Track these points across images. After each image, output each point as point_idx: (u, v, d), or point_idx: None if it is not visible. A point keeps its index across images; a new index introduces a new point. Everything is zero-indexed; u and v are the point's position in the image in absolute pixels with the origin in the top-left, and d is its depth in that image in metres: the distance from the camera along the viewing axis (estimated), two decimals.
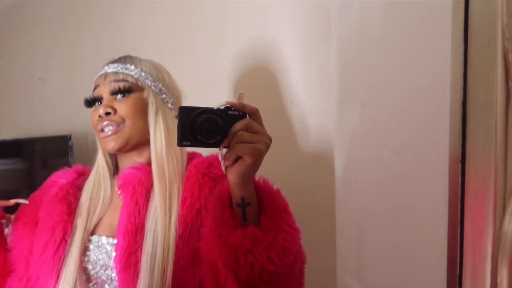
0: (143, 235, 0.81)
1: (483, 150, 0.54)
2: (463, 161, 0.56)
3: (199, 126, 0.65)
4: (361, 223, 0.90)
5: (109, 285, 0.82)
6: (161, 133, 0.88)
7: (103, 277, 0.83)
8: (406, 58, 0.71)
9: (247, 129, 0.66)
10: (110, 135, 0.85)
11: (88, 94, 0.93)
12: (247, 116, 0.68)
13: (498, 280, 0.53)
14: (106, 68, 0.90)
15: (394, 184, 0.75)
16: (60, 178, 0.93)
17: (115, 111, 0.86)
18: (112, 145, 0.86)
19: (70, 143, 1.50)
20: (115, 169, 0.94)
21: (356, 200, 0.94)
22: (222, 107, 0.67)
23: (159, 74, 0.93)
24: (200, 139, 0.65)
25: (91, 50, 1.69)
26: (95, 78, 0.91)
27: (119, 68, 0.89)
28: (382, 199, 0.80)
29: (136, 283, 0.78)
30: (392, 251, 0.76)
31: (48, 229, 0.85)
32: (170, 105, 0.92)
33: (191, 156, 0.92)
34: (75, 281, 0.80)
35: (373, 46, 0.83)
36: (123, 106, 0.86)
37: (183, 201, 0.84)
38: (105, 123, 0.85)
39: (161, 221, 0.82)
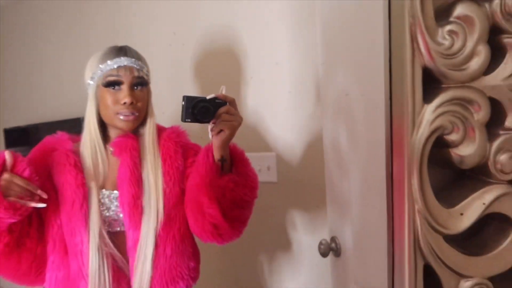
0: (141, 185, 1.15)
1: (401, 91, 0.83)
2: (390, 98, 0.85)
3: (198, 110, 1.01)
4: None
5: (120, 226, 1.16)
6: (153, 114, 1.23)
7: (116, 220, 1.15)
8: (361, 26, 0.98)
9: (227, 112, 1.04)
10: (131, 120, 1.15)
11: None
12: (228, 104, 1.05)
13: (412, 182, 0.82)
14: (122, 60, 1.13)
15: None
16: (60, 144, 1.18)
17: (136, 100, 1.14)
18: (130, 126, 1.16)
19: (83, 125, 1.53)
20: (104, 137, 1.20)
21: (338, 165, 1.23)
22: (212, 97, 1.04)
23: (148, 66, 1.24)
24: (199, 119, 1.03)
25: (101, 34, 1.89)
26: (114, 66, 1.12)
27: (137, 65, 1.15)
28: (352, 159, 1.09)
29: (140, 220, 1.13)
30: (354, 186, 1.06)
31: (71, 190, 1.11)
32: None
33: (159, 127, 1.25)
34: (100, 227, 1.11)
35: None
36: (141, 97, 1.16)
37: (164, 160, 1.19)
38: (129, 110, 1.13)
39: (152, 175, 1.16)
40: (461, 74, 0.82)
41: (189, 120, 1.02)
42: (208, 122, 1.03)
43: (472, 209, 0.85)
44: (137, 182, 1.14)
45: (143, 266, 1.11)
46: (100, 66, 1.14)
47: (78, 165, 1.14)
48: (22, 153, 1.06)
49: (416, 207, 0.83)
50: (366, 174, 0.99)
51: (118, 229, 1.16)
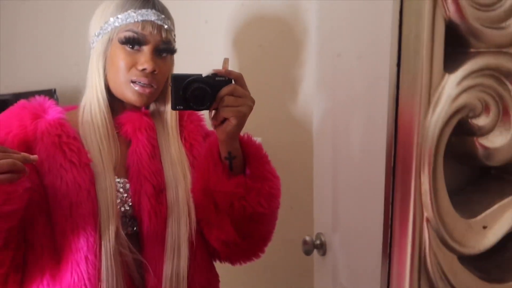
0: (163, 175, 0.87)
1: (413, 52, 0.60)
2: (398, 64, 0.62)
3: (190, 94, 0.75)
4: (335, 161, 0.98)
5: (131, 225, 0.86)
6: None
7: (126, 217, 0.86)
8: None
9: (232, 93, 0.76)
10: (147, 93, 0.85)
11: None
12: (233, 82, 0.77)
13: (422, 180, 0.60)
14: (150, 13, 0.85)
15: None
16: (43, 111, 0.86)
17: (159, 70, 0.85)
18: (144, 101, 0.86)
19: (55, 97, 1.40)
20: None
21: (331, 148, 1.02)
22: (210, 74, 0.77)
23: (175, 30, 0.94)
24: (192, 106, 0.76)
25: (77, 1, 1.70)
26: (139, 19, 0.84)
27: (167, 25, 0.87)
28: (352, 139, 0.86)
29: (165, 220, 0.84)
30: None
31: (72, 171, 0.80)
32: None
33: None
34: (117, 224, 0.80)
35: None
36: (164, 68, 0.87)
37: (189, 147, 0.92)
38: (147, 79, 0.84)
39: (178, 163, 0.88)
40: (499, 34, 0.59)
41: (181, 107, 0.77)
42: (207, 108, 0.77)
43: (499, 221, 0.63)
44: (158, 170, 0.86)
45: (176, 284, 0.84)
46: (119, 15, 0.85)
47: (78, 139, 0.83)
48: None
49: (425, 214, 0.61)
50: (361, 163, 0.77)
51: (131, 229, 0.86)
